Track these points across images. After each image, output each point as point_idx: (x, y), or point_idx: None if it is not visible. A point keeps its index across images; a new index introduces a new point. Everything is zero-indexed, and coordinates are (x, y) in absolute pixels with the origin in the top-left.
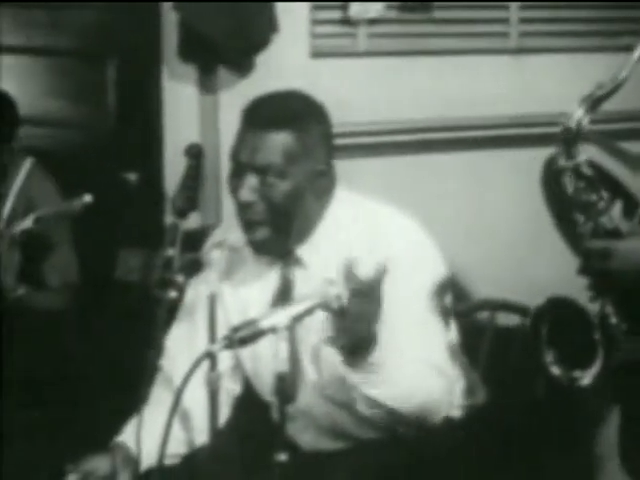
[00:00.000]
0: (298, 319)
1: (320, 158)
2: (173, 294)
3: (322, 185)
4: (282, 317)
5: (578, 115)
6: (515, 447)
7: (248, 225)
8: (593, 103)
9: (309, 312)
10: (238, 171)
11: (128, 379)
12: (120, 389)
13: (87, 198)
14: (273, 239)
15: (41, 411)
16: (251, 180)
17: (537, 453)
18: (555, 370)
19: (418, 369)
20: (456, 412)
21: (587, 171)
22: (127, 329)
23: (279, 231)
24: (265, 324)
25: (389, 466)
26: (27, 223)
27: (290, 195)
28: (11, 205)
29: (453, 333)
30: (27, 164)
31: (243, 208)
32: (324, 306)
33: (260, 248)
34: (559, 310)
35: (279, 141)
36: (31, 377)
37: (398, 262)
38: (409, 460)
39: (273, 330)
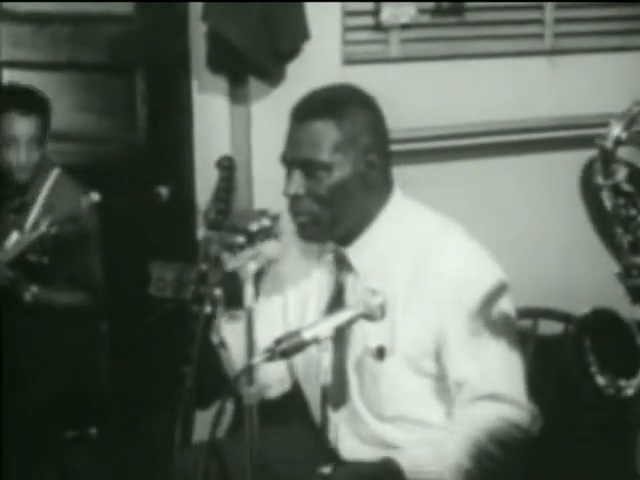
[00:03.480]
0: (341, 329)
1: (368, 147)
2: (208, 308)
3: (372, 179)
4: (325, 328)
5: (615, 133)
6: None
7: (296, 220)
8: (631, 120)
9: (352, 322)
10: (288, 170)
11: (164, 396)
12: (156, 406)
13: (94, 197)
14: (320, 234)
15: (76, 428)
16: (296, 175)
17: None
18: (600, 380)
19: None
20: None
21: (626, 187)
22: (162, 344)
23: (326, 225)
24: (307, 335)
25: None
26: (42, 228)
27: (336, 188)
28: (35, 214)
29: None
30: (54, 174)
31: (290, 202)
32: (366, 316)
33: (308, 241)
34: (602, 320)
35: (319, 130)
36: (61, 392)
37: (445, 289)
38: None
39: (316, 341)
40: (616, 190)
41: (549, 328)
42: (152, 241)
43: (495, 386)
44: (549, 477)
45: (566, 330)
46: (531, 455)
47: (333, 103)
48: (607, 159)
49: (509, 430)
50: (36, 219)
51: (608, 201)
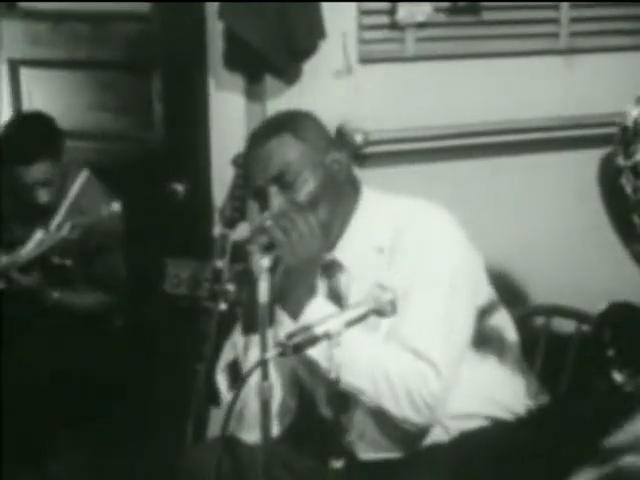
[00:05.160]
0: (351, 325)
1: (327, 148)
2: (223, 306)
3: (341, 177)
4: (336, 323)
5: (635, 114)
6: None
7: (291, 238)
8: None
9: (362, 318)
10: (262, 197)
11: (178, 392)
12: (170, 402)
13: (116, 207)
14: (318, 246)
15: (91, 423)
16: (273, 190)
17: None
18: (617, 376)
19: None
20: (516, 414)
21: None
22: (176, 341)
23: (319, 235)
24: (319, 330)
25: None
26: (64, 232)
27: (314, 192)
28: (62, 216)
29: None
30: (82, 177)
31: (277, 222)
32: (377, 312)
33: (307, 256)
34: (622, 316)
35: (280, 144)
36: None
37: (423, 245)
38: (467, 466)
39: (327, 336)
40: (636, 172)
41: (561, 326)
42: (168, 238)
43: (425, 349)
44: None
45: (579, 327)
46: (542, 451)
47: (282, 121)
48: (627, 139)
49: (418, 378)
50: (62, 220)
51: (627, 185)
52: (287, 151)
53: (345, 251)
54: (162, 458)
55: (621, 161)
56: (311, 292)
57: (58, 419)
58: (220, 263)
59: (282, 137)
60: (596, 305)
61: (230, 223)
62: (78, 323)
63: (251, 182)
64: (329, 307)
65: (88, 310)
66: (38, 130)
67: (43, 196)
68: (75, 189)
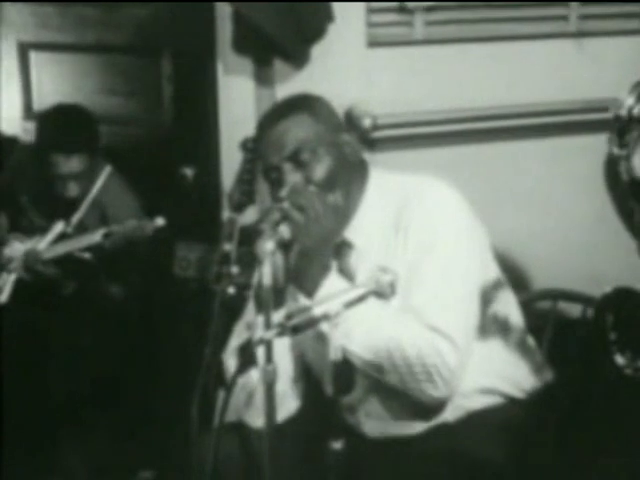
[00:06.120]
0: (350, 306)
1: (339, 127)
2: (230, 289)
3: (352, 156)
4: (335, 304)
5: (629, 103)
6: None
7: (307, 215)
8: None
9: (362, 299)
10: (277, 175)
11: (185, 374)
12: (177, 385)
13: (159, 221)
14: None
15: (102, 409)
16: (287, 167)
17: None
18: (619, 359)
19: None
20: (523, 392)
21: None
22: (184, 324)
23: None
24: (318, 311)
25: (457, 451)
26: (95, 237)
27: (329, 170)
28: (83, 211)
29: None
30: (105, 172)
31: (294, 200)
32: (377, 293)
33: (326, 235)
34: (624, 300)
35: (295, 122)
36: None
37: (431, 220)
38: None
39: (326, 317)
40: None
41: (569, 310)
42: (177, 222)
43: (440, 322)
44: (571, 458)
45: (584, 311)
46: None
47: (297, 102)
48: (622, 128)
49: (434, 352)
50: (83, 215)
51: (625, 173)
52: (303, 129)
53: (355, 231)
54: (170, 443)
55: (616, 150)
56: (326, 271)
57: (69, 408)
58: (228, 246)
59: (298, 116)
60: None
61: (238, 207)
62: (93, 312)
63: (265, 161)
64: (344, 285)
65: (104, 302)
66: (80, 123)
67: (73, 189)
68: (98, 184)
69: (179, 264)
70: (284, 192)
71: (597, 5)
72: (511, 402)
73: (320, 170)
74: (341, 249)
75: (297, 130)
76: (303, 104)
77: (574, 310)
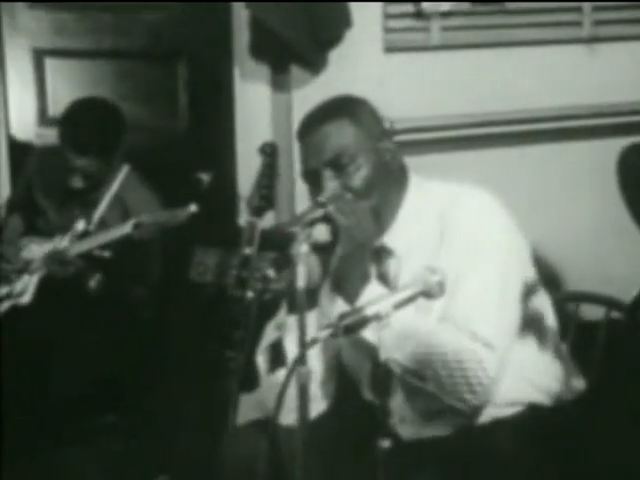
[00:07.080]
0: (400, 307)
1: (380, 135)
2: (250, 293)
3: (392, 164)
4: (385, 305)
5: None
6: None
7: (346, 221)
8: None
9: (411, 300)
10: (315, 181)
11: (205, 380)
12: (197, 390)
13: (192, 208)
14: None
15: (118, 413)
16: (327, 174)
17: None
18: None
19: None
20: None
21: None
22: (201, 329)
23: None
24: (369, 312)
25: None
26: (126, 228)
27: (367, 178)
28: (103, 210)
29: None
30: (123, 171)
31: (335, 205)
32: (426, 293)
33: (366, 239)
34: None
35: (336, 128)
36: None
37: (473, 228)
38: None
39: (377, 318)
40: None
41: (590, 313)
42: (193, 227)
43: (483, 331)
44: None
45: (608, 314)
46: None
47: (338, 106)
48: None
49: (475, 359)
50: (104, 212)
51: None
52: (343, 135)
53: (395, 237)
54: (191, 445)
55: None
56: (366, 277)
57: (84, 407)
58: (248, 250)
59: (339, 121)
60: (626, 293)
61: (258, 212)
62: (107, 313)
63: (304, 164)
64: (383, 291)
65: (120, 299)
66: (99, 126)
67: (78, 182)
68: (117, 183)
69: (196, 269)
70: (324, 197)
71: (610, 11)
72: (541, 410)
73: (358, 179)
74: (380, 255)
75: (337, 136)
76: (345, 108)
77: (590, 313)
